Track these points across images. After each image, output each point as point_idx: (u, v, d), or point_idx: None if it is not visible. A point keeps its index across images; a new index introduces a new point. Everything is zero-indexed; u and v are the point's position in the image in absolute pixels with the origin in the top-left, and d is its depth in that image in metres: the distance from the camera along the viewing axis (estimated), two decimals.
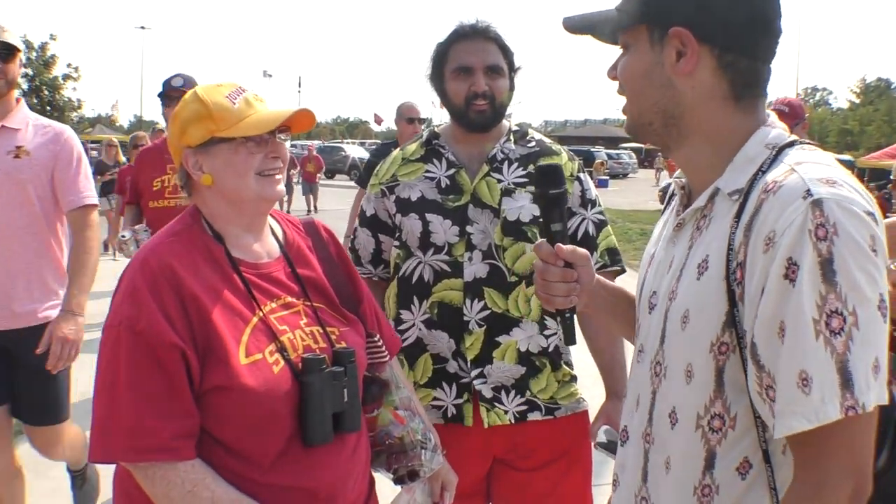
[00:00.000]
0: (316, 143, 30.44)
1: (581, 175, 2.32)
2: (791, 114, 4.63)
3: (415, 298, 2.24)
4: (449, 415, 2.21)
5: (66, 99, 32.25)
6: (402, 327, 2.25)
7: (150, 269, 1.51)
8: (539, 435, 2.24)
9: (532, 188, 2.22)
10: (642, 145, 54.96)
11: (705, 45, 1.22)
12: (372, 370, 1.82)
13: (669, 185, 1.79)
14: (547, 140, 2.40)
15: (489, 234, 2.20)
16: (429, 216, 2.22)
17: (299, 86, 73.18)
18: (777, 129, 1.25)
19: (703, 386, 1.21)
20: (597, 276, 1.55)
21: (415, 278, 2.23)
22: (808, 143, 1.24)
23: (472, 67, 2.21)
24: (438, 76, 2.27)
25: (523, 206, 2.21)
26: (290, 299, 1.66)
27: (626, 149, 50.56)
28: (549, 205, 1.51)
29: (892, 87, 65.19)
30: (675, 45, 1.24)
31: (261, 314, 1.58)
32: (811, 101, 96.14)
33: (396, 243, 2.28)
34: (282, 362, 1.56)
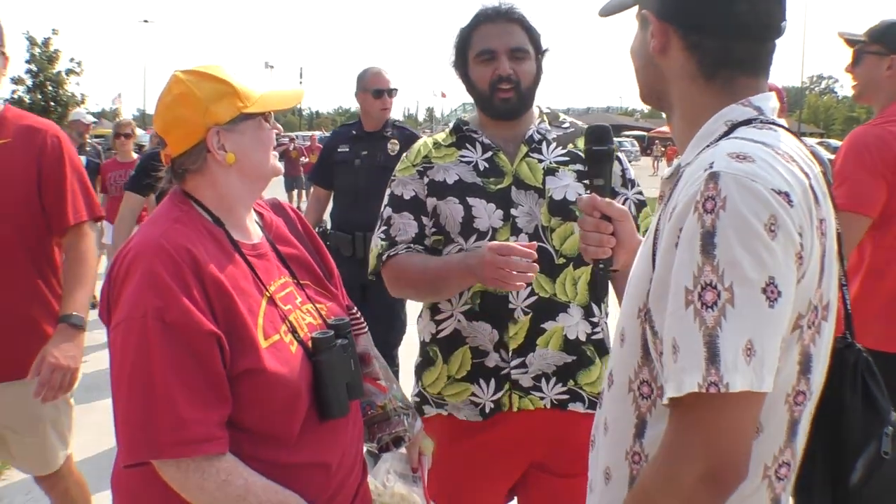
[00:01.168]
0: (318, 133, 30.35)
1: (619, 156, 2.22)
2: None
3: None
4: (487, 411, 2.11)
5: (70, 94, 32.16)
6: (438, 317, 2.17)
7: (168, 255, 1.45)
8: (580, 429, 2.04)
9: (575, 167, 2.15)
10: (645, 133, 54.74)
11: (670, 26, 1.26)
12: None
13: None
14: (579, 122, 2.31)
15: (535, 216, 2.10)
16: (470, 200, 2.11)
17: (301, 77, 73.21)
18: (746, 108, 1.23)
19: (632, 351, 1.23)
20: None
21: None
22: (769, 123, 1.21)
23: (495, 51, 2.12)
24: (462, 62, 2.19)
25: (568, 185, 2.12)
26: (284, 279, 1.68)
27: (628, 136, 50.40)
28: (594, 160, 1.65)
29: None
30: (649, 25, 1.29)
31: (268, 295, 1.59)
32: (817, 88, 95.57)
33: (434, 229, 2.16)
34: (295, 343, 1.57)
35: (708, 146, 1.20)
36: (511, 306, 2.07)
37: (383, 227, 2.22)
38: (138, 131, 7.87)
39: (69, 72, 32.64)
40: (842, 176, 2.79)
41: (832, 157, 3.63)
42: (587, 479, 1.98)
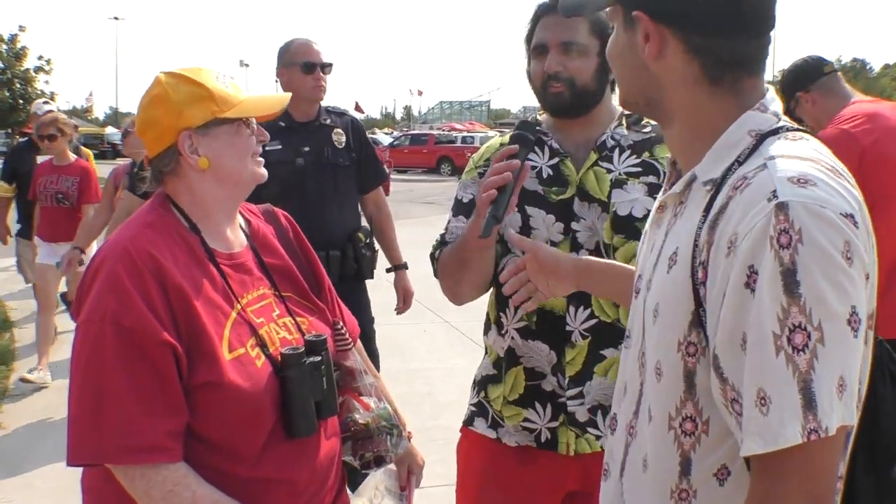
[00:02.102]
0: None
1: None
2: None
3: (509, 302, 1.97)
4: (543, 440, 1.98)
5: (39, 91, 31.87)
6: (503, 332, 2.04)
7: (131, 260, 1.45)
8: None
9: (647, 179, 1.97)
10: None
11: (668, 28, 1.15)
12: (336, 358, 1.80)
13: None
14: None
15: (597, 232, 1.94)
16: (529, 209, 1.97)
17: (276, 75, 72.63)
18: (765, 114, 1.15)
19: (672, 386, 1.14)
20: (582, 257, 1.60)
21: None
22: (797, 130, 1.13)
23: (546, 45, 1.98)
24: (527, 56, 2.07)
25: (636, 200, 1.94)
26: (262, 290, 1.65)
27: None
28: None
29: (868, 67, 65.64)
30: (642, 28, 1.17)
31: (239, 307, 1.56)
32: None
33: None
34: (263, 357, 1.55)
35: (739, 162, 1.11)
36: (569, 328, 1.95)
37: (442, 232, 2.13)
38: (109, 129, 7.22)
39: (38, 69, 32.35)
40: None
41: None
42: None
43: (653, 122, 2.06)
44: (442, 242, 2.10)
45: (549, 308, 1.95)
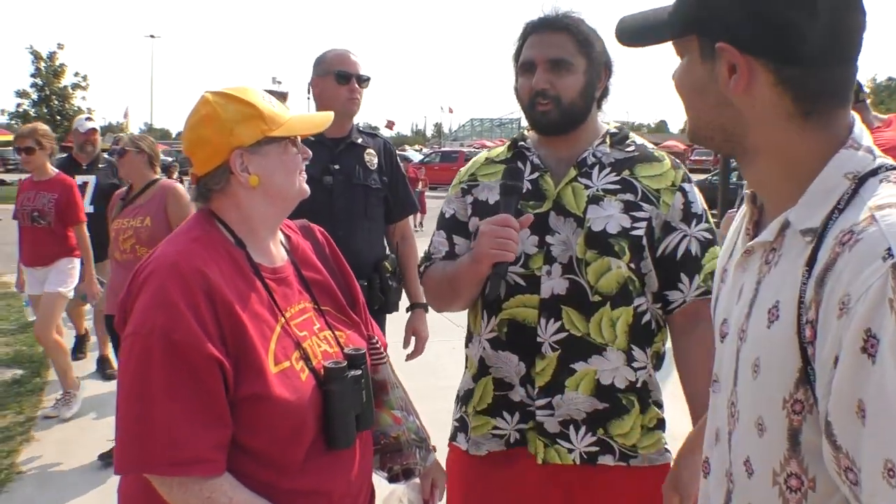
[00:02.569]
0: None
1: (685, 185, 2.01)
2: None
3: (484, 313, 2.04)
4: (512, 440, 2.00)
5: (76, 108, 32.52)
6: (471, 343, 2.10)
7: (180, 275, 1.47)
8: (610, 485, 1.96)
9: (625, 196, 1.97)
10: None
11: (757, 60, 1.08)
12: (369, 371, 1.81)
13: None
14: (650, 145, 2.11)
15: (571, 246, 1.95)
16: None
17: (308, 92, 73.32)
18: (859, 152, 1.08)
19: (776, 443, 1.09)
20: (687, 440, 1.73)
21: (486, 290, 1.97)
22: (894, 169, 1.06)
23: (533, 62, 1.98)
24: (515, 73, 2.08)
25: (611, 216, 1.95)
26: (303, 304, 1.67)
27: None
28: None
29: None
30: (725, 59, 1.10)
31: (283, 321, 1.58)
32: None
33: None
34: (307, 370, 1.56)
35: (839, 209, 1.05)
36: (539, 339, 1.96)
37: (427, 246, 2.21)
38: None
39: (75, 86, 33.00)
40: None
41: None
42: None
43: (637, 142, 2.08)
44: (427, 258, 2.17)
45: (520, 319, 1.97)
